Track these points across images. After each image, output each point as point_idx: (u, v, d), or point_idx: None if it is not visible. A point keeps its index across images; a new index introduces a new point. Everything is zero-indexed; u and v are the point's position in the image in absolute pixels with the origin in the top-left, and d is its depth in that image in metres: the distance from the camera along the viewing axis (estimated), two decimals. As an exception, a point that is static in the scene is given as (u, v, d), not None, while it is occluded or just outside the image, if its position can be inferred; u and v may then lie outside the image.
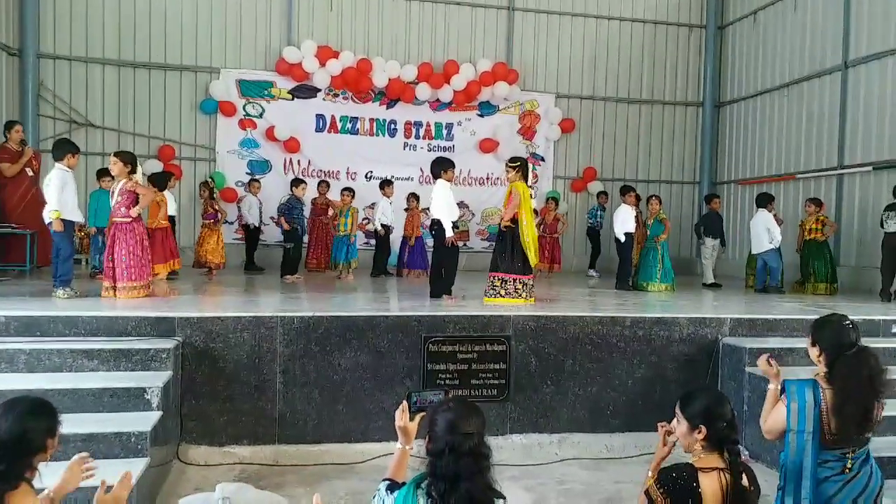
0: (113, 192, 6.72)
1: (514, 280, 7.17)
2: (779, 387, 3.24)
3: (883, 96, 10.30)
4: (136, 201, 6.61)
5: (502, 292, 7.15)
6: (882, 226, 8.73)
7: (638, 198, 11.16)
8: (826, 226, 9.84)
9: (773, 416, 3.21)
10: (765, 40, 12.96)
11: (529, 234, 7.24)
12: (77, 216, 6.91)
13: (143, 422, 4.45)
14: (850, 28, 10.91)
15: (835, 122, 11.19)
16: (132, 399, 4.68)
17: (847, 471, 3.03)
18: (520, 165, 7.42)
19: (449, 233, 7.38)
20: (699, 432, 2.56)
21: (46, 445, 2.42)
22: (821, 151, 11.54)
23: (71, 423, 4.21)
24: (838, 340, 3.10)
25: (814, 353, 3.21)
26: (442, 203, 7.39)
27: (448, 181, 7.54)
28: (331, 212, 11.03)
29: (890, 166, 10.08)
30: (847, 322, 3.16)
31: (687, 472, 2.52)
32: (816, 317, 3.40)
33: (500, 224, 7.44)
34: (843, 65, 10.99)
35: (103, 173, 9.04)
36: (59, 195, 6.47)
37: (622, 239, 9.70)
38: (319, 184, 11.39)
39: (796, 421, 3.05)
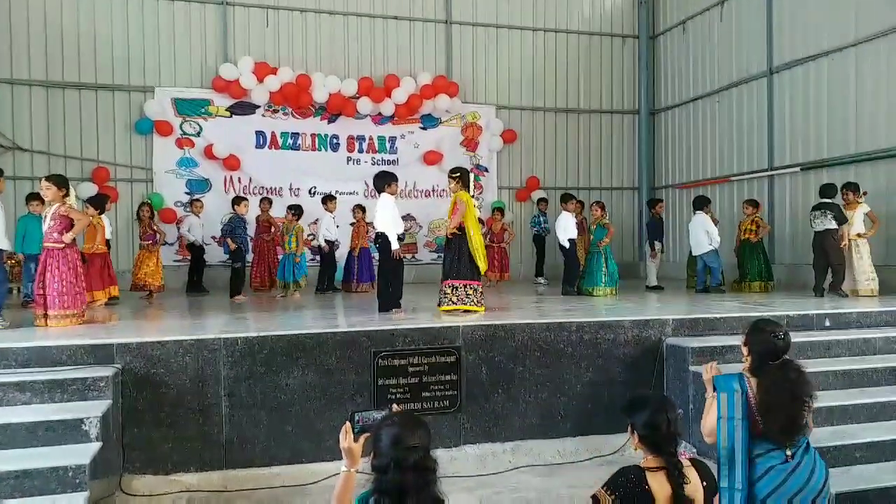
0: (45, 217, 6.47)
1: (465, 286, 7.23)
2: (712, 393, 3.39)
3: (807, 100, 10.77)
4: (69, 226, 6.37)
5: (454, 299, 7.20)
6: (811, 225, 9.09)
7: (581, 204, 11.38)
8: (760, 227, 10.20)
9: (708, 416, 3.35)
10: (694, 49, 13.41)
11: (477, 241, 7.34)
12: (4, 244, 6.62)
13: (80, 454, 4.27)
14: (773, 36, 11.39)
15: (763, 125, 11.63)
16: (69, 431, 4.49)
17: (789, 459, 3.13)
18: (460, 175, 7.51)
19: (395, 245, 7.36)
20: (634, 437, 2.67)
21: None
22: (752, 154, 11.98)
23: (3, 461, 4.05)
24: (766, 349, 3.30)
25: (744, 350, 3.44)
26: (387, 217, 7.37)
27: (392, 195, 7.54)
28: (273, 229, 10.86)
29: (817, 166, 10.53)
30: (778, 333, 3.33)
31: (634, 474, 2.58)
32: (757, 317, 3.54)
33: (446, 234, 7.50)
34: (769, 71, 11.45)
35: (32, 198, 8.71)
36: None
37: (566, 245, 9.85)
38: (261, 201, 11.22)
39: (726, 408, 3.22)
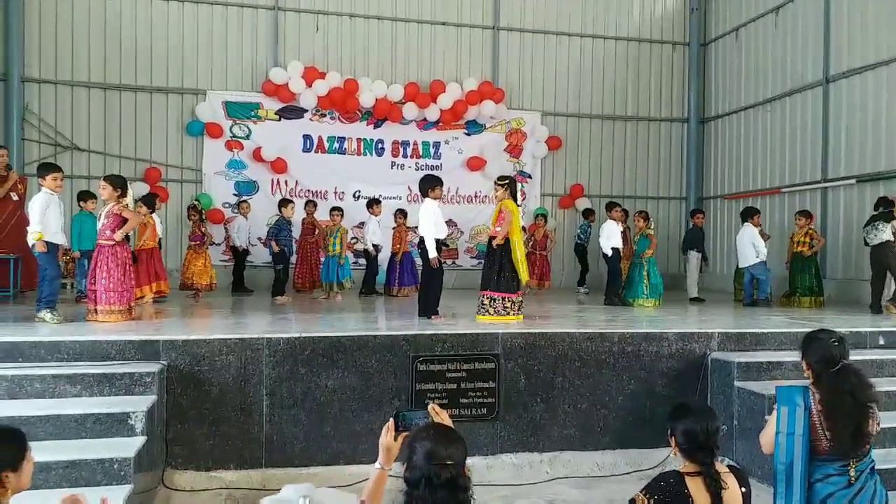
0: (100, 216, 6.69)
1: (503, 298, 7.15)
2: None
3: (864, 110, 10.43)
4: (121, 224, 6.56)
5: (491, 311, 7.13)
6: (865, 242, 8.79)
7: (626, 214, 11.22)
8: (814, 240, 9.91)
9: (767, 429, 3.27)
10: (747, 56, 13.12)
11: (520, 253, 7.26)
12: (61, 239, 6.85)
13: (126, 448, 4.38)
14: (830, 44, 11.07)
15: (818, 136, 11.31)
16: (115, 424, 4.61)
17: (852, 482, 3.04)
18: (508, 183, 7.44)
19: (432, 253, 7.33)
20: (674, 444, 2.71)
21: (1, 479, 2.24)
22: (805, 165, 11.65)
23: (52, 451, 4.19)
24: (823, 356, 3.21)
25: (804, 365, 3.33)
26: (428, 222, 7.36)
27: (435, 199, 7.52)
28: (317, 232, 11.00)
29: (873, 179, 10.19)
30: (833, 339, 3.25)
31: (674, 479, 2.61)
32: (807, 331, 3.46)
33: (489, 242, 7.41)
34: (825, 79, 11.13)
35: (85, 196, 8.99)
36: (42, 216, 6.42)
37: (609, 254, 9.71)
38: (306, 204, 11.35)
39: (785, 423, 3.14)
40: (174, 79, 12.11)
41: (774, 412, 3.23)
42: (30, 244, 6.53)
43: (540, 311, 8.43)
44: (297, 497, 1.18)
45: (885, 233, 8.46)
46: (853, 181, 10.56)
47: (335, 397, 5.71)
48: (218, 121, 12.19)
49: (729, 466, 2.70)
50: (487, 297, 7.17)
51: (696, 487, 2.56)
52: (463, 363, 6.04)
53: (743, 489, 2.62)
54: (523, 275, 7.32)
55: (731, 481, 2.60)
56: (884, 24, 10.06)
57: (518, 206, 7.53)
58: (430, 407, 2.38)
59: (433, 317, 7.26)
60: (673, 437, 2.71)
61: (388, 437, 2.33)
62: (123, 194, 6.74)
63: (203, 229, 10.10)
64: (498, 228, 7.23)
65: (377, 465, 2.35)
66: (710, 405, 6.12)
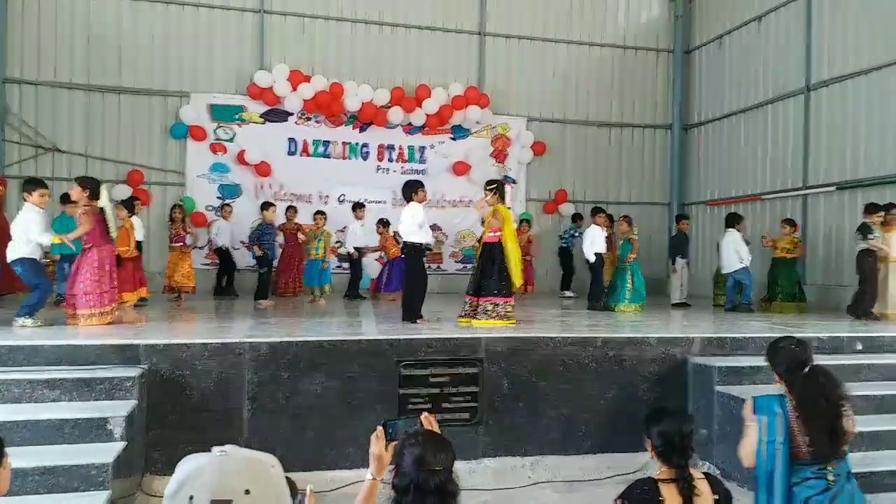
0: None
1: (505, 303, 7.17)
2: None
3: (845, 118, 10.57)
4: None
5: (493, 315, 7.13)
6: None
7: (610, 220, 11.27)
8: (796, 247, 10.02)
9: (748, 440, 3.30)
10: (730, 64, 13.25)
11: (514, 256, 7.27)
12: (46, 239, 6.76)
13: (104, 453, 4.34)
14: (811, 52, 11.21)
15: (799, 143, 11.44)
16: (94, 430, 4.56)
17: (831, 486, 3.08)
18: (496, 188, 7.46)
19: (426, 238, 7.34)
20: (650, 447, 2.74)
21: None
22: (786, 172, 11.78)
23: (29, 456, 4.14)
24: (790, 363, 3.29)
25: (775, 376, 3.42)
26: (413, 225, 7.34)
27: (420, 202, 7.51)
28: (301, 237, 10.97)
29: (853, 186, 10.32)
30: (794, 343, 3.36)
31: (649, 486, 2.64)
32: (770, 342, 3.54)
33: (484, 248, 7.39)
34: (806, 88, 11.27)
35: (67, 198, 8.89)
36: (26, 236, 6.36)
37: (592, 259, 9.76)
38: (287, 209, 11.30)
39: (766, 432, 3.19)
40: (158, 81, 12.03)
41: (753, 423, 3.26)
42: (9, 260, 6.44)
43: (524, 316, 8.44)
44: (216, 450, 1.32)
45: (861, 242, 8.60)
46: (833, 188, 10.70)
47: (318, 402, 5.68)
48: (202, 123, 12.12)
49: (704, 473, 2.73)
50: (490, 303, 7.15)
51: (669, 494, 2.58)
52: (446, 368, 6.03)
53: (716, 496, 2.64)
54: (517, 279, 7.34)
55: (703, 487, 2.63)
56: (864, 34, 10.21)
57: (508, 208, 7.56)
58: (423, 416, 2.37)
59: (418, 321, 7.24)
60: (649, 441, 2.74)
61: (378, 447, 2.29)
62: (94, 196, 6.64)
63: (189, 230, 10.05)
64: (491, 234, 7.26)
65: (368, 475, 2.32)
66: (686, 409, 6.20)
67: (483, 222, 7.85)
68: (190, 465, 1.33)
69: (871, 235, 8.55)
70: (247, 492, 1.28)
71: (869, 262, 8.58)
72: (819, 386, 3.13)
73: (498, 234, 7.26)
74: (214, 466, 1.31)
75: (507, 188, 7.85)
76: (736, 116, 13.05)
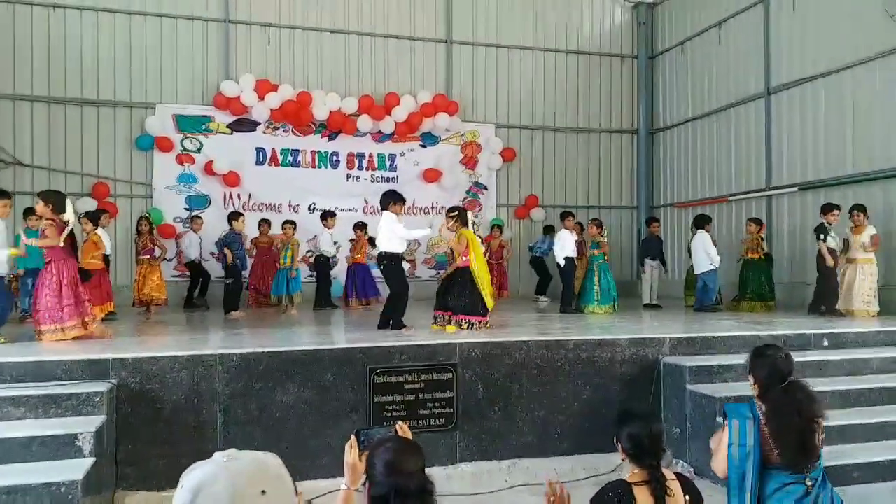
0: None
1: (480, 322, 7.23)
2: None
3: (804, 120, 10.84)
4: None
5: (465, 328, 7.18)
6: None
7: (581, 227, 11.37)
8: (759, 246, 10.22)
9: (719, 450, 3.31)
10: (692, 69, 13.51)
11: (485, 279, 7.36)
12: (4, 270, 6.61)
13: (74, 470, 4.24)
14: (770, 57, 11.48)
15: (761, 145, 11.69)
16: (62, 447, 4.47)
17: (810, 491, 3.11)
18: (458, 214, 7.50)
19: (418, 234, 7.49)
20: (620, 450, 2.74)
21: None
22: (749, 174, 12.02)
23: (-6, 476, 4.03)
24: (771, 372, 3.28)
25: (750, 379, 3.41)
26: (390, 234, 7.30)
27: (395, 214, 7.45)
28: (273, 247, 10.88)
29: (814, 186, 10.57)
30: (781, 356, 3.33)
31: (621, 488, 2.62)
32: (754, 336, 3.57)
33: (457, 270, 7.44)
34: (766, 91, 11.53)
35: (30, 212, 8.72)
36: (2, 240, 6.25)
37: (562, 263, 9.83)
38: (260, 223, 11.21)
39: (737, 435, 3.21)
40: (122, 92, 11.85)
41: (724, 430, 3.28)
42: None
43: (497, 321, 8.47)
44: (221, 457, 1.33)
45: (820, 245, 8.84)
46: (795, 189, 10.95)
47: (291, 413, 5.64)
48: (168, 134, 11.97)
49: (676, 474, 2.74)
50: (466, 322, 7.18)
51: (642, 496, 2.58)
52: (421, 374, 6.03)
53: (687, 496, 2.65)
54: (489, 301, 7.39)
55: (675, 488, 2.63)
56: (821, 38, 10.48)
57: (475, 218, 7.59)
58: (397, 425, 2.36)
59: (404, 329, 7.22)
60: (619, 443, 2.74)
61: (352, 456, 2.28)
62: (60, 210, 6.51)
63: (157, 242, 9.91)
64: (465, 258, 7.30)
65: (343, 485, 2.30)
66: (659, 409, 6.28)
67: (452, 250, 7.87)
68: (199, 473, 1.31)
69: (822, 236, 8.79)
70: (263, 492, 1.29)
71: (821, 262, 8.83)
72: (796, 402, 3.15)
73: (469, 258, 7.29)
74: (226, 472, 1.30)
75: (469, 214, 7.88)
76: (700, 120, 13.30)
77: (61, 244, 6.36)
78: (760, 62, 11.66)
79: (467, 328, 7.16)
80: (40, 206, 6.40)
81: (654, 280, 11.17)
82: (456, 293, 7.30)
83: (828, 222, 8.91)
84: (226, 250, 9.48)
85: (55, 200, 6.49)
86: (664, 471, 2.66)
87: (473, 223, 7.92)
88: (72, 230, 6.56)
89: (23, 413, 4.77)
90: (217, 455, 1.36)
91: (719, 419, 3.45)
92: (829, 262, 8.78)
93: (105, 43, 11.78)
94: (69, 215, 6.54)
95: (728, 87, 12.50)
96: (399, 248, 7.39)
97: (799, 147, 10.95)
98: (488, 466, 6.00)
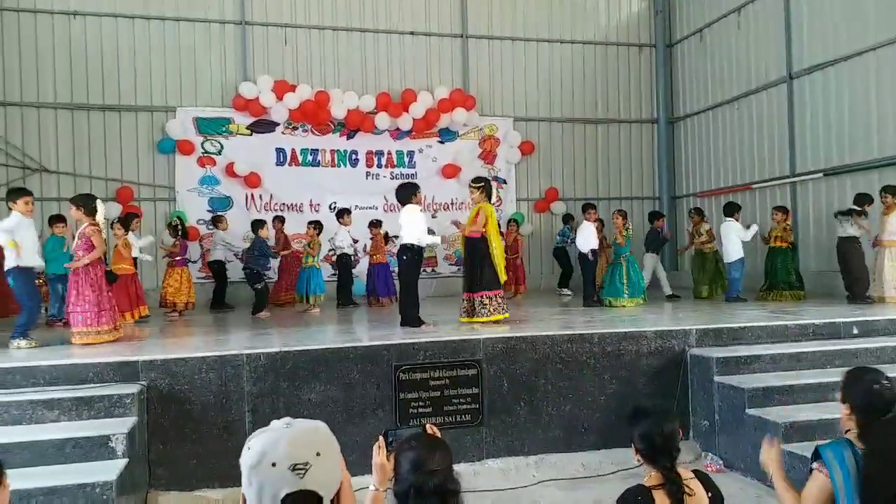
0: (69, 238, 6.61)
1: (495, 295, 7.33)
2: (783, 478, 2.83)
3: (827, 105, 10.65)
4: (92, 247, 6.47)
5: (490, 309, 7.28)
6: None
7: (602, 224, 11.26)
8: (787, 234, 10.08)
9: (815, 497, 2.71)
10: (712, 56, 13.34)
11: (498, 253, 7.41)
12: (37, 261, 6.75)
13: (107, 471, 4.32)
14: (791, 41, 11.29)
15: (784, 131, 11.51)
16: (96, 448, 4.55)
17: None
18: (483, 186, 7.50)
19: (432, 240, 7.46)
20: (634, 451, 2.63)
21: None
22: (773, 161, 11.85)
23: (31, 478, 4.12)
24: (870, 402, 2.73)
25: (843, 410, 2.84)
26: (415, 227, 7.28)
27: (417, 205, 7.45)
28: (295, 245, 10.95)
29: (839, 172, 10.39)
30: (880, 380, 2.78)
31: (641, 494, 2.51)
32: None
33: (467, 243, 7.52)
34: (788, 76, 11.35)
35: (55, 219, 8.87)
36: (12, 228, 6.36)
37: (590, 256, 9.71)
38: (274, 219, 11.31)
39: (844, 493, 2.60)
40: (143, 97, 11.99)
41: (819, 475, 2.69)
42: (5, 269, 6.44)
43: (520, 315, 8.46)
44: (280, 424, 1.57)
45: (847, 229, 8.67)
46: (821, 175, 10.77)
47: (318, 410, 5.67)
48: (189, 137, 12.09)
49: (695, 471, 2.62)
50: (486, 297, 7.26)
51: (662, 499, 2.47)
52: (445, 370, 6.04)
53: (709, 493, 2.53)
54: (502, 275, 7.42)
55: (695, 486, 2.52)
56: (843, 20, 10.29)
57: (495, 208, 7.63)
58: (427, 426, 2.34)
59: (423, 325, 7.22)
60: (633, 444, 2.62)
61: (380, 457, 2.26)
62: (91, 213, 6.63)
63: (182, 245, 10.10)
64: (473, 229, 7.38)
65: (371, 486, 2.27)
66: (691, 405, 6.23)
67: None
68: (263, 438, 1.53)
69: (858, 212, 8.64)
70: (318, 454, 1.50)
71: (852, 249, 8.69)
72: None
73: (482, 230, 7.36)
74: (287, 437, 1.51)
75: (494, 185, 7.93)
76: (720, 108, 13.12)
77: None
78: (781, 47, 11.48)
79: (488, 303, 7.25)
80: (74, 211, 6.53)
81: (659, 272, 10.99)
82: (472, 267, 7.41)
83: (864, 212, 8.78)
84: (252, 268, 9.67)
85: (86, 204, 6.62)
86: (680, 470, 2.55)
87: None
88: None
89: (56, 416, 4.87)
90: (275, 422, 1.58)
91: (813, 465, 2.76)
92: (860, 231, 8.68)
93: (125, 49, 11.92)
94: (100, 217, 6.69)
95: (749, 74, 12.32)
96: (425, 241, 7.39)
97: (823, 132, 10.77)
98: (515, 462, 6.00)
